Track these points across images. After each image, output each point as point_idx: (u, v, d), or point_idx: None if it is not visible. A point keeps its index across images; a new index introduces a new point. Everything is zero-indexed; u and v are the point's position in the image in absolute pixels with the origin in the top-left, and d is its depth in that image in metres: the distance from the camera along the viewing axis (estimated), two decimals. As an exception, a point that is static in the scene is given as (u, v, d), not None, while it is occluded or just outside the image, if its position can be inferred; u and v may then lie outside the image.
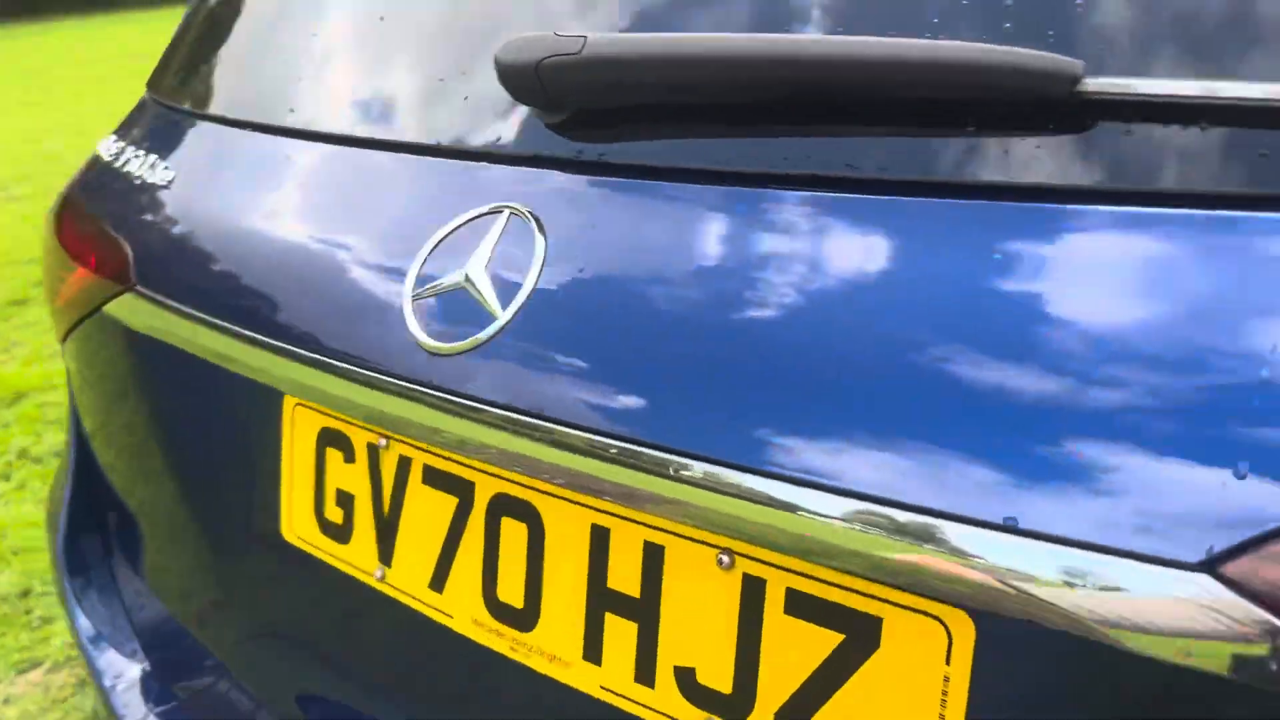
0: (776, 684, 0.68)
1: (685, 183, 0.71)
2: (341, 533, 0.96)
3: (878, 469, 0.61)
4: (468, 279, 0.75)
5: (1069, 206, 0.57)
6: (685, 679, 0.73)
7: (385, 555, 0.92)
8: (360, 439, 0.93)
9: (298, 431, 0.99)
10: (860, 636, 0.65)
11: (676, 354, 0.67)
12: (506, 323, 0.73)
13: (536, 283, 0.73)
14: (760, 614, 0.69)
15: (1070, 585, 0.51)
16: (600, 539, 0.76)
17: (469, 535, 0.84)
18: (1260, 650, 0.45)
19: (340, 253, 0.87)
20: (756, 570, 0.68)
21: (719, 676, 0.71)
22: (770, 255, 0.68)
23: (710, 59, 0.67)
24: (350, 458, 0.94)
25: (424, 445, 0.86)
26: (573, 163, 0.76)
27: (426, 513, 0.88)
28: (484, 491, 0.83)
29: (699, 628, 0.72)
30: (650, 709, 0.74)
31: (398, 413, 0.81)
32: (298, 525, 1.01)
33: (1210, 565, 0.46)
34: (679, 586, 0.72)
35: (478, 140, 0.83)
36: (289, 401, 1.00)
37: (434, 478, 0.87)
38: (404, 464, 0.89)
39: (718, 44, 0.67)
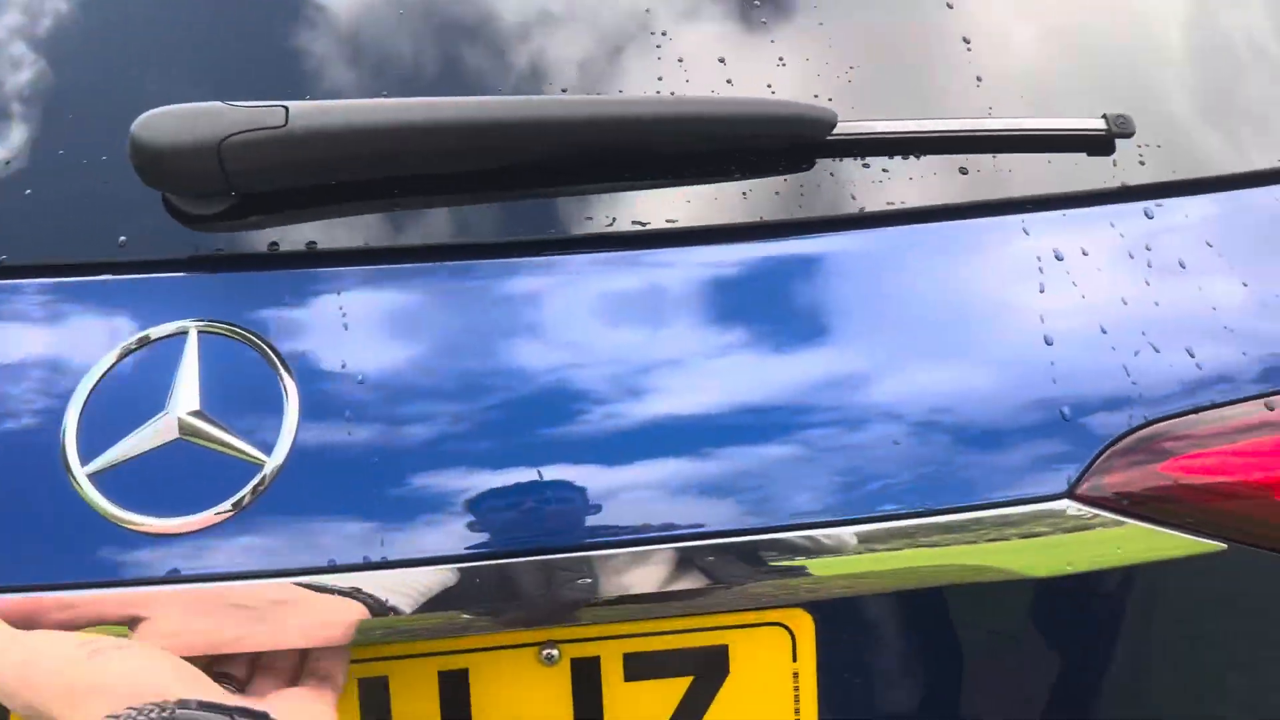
0: (621, 760, 0.67)
1: (415, 262, 0.63)
2: None
3: (693, 508, 0.65)
4: (185, 426, 0.57)
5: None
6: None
7: None
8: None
9: None
10: (710, 670, 0.67)
11: (503, 449, 0.61)
12: (280, 465, 0.57)
13: (299, 407, 0.58)
14: (599, 693, 0.67)
15: (960, 539, 0.62)
16: (373, 692, 0.65)
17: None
18: (1111, 536, 0.61)
19: None
20: (587, 651, 0.66)
21: (554, 781, 0.67)
22: (520, 323, 0.65)
23: (446, 124, 0.61)
24: None
25: None
26: (267, 257, 0.62)
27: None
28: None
29: (521, 736, 0.67)
30: None
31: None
32: None
33: (1070, 493, 0.61)
34: (492, 704, 0.66)
35: (102, 249, 0.61)
36: None
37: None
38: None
39: (455, 108, 0.61)
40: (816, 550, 0.61)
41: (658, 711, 0.67)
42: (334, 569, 0.58)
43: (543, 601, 0.62)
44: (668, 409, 0.64)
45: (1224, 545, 0.63)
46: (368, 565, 0.58)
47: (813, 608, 0.67)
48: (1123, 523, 0.62)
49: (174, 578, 0.57)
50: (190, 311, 0.60)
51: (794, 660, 0.68)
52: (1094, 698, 0.68)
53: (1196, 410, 0.63)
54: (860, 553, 0.61)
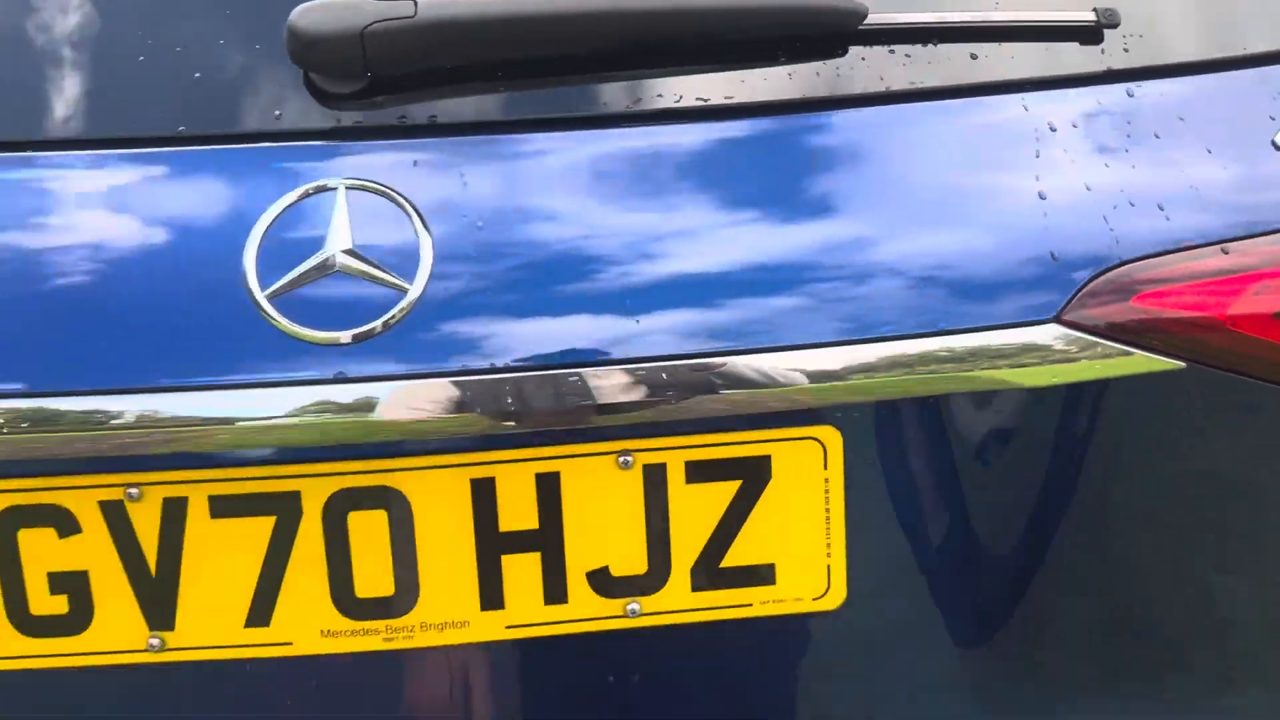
0: (687, 546, 0.82)
1: (521, 133, 0.77)
2: (69, 623, 0.80)
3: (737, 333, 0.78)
4: (342, 261, 0.71)
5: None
6: (598, 580, 0.82)
7: (160, 620, 0.80)
8: (87, 502, 0.78)
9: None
10: (755, 475, 0.82)
11: (592, 285, 0.75)
12: (420, 294, 0.71)
13: (434, 247, 0.72)
14: (665, 493, 0.81)
15: (967, 359, 0.76)
16: (483, 492, 0.80)
17: (301, 548, 0.79)
18: (1088, 355, 0.75)
19: (139, 272, 0.72)
20: (656, 458, 0.81)
21: (632, 563, 0.82)
22: (606, 178, 0.78)
23: (542, 14, 0.74)
24: (70, 529, 0.79)
25: (205, 476, 0.78)
26: (401, 128, 0.75)
27: (225, 551, 0.79)
28: (316, 497, 0.79)
29: (605, 529, 0.81)
30: (566, 622, 0.82)
31: (298, 431, 0.73)
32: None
33: (1057, 318, 0.75)
34: (579, 501, 0.81)
35: (264, 121, 0.75)
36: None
37: (230, 508, 0.79)
38: (174, 509, 0.79)
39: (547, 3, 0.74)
40: (842, 366, 0.75)
41: (712, 510, 0.82)
42: (461, 372, 0.72)
43: (622, 410, 0.76)
44: (723, 257, 0.77)
45: (1183, 364, 0.76)
46: (488, 370, 0.72)
47: (840, 424, 0.81)
48: (1098, 344, 0.75)
49: (339, 379, 0.71)
50: (337, 172, 0.74)
51: (824, 469, 0.82)
52: (1070, 496, 0.82)
53: (1164, 253, 0.76)
54: (879, 366, 0.75)
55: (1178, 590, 0.85)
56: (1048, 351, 0.75)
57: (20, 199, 0.77)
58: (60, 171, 0.78)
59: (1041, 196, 0.77)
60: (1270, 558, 0.85)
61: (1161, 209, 0.78)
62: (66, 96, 0.77)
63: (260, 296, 0.72)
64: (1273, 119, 0.82)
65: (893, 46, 0.80)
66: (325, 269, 0.72)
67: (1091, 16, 0.82)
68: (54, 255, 0.75)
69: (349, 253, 0.72)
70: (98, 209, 0.76)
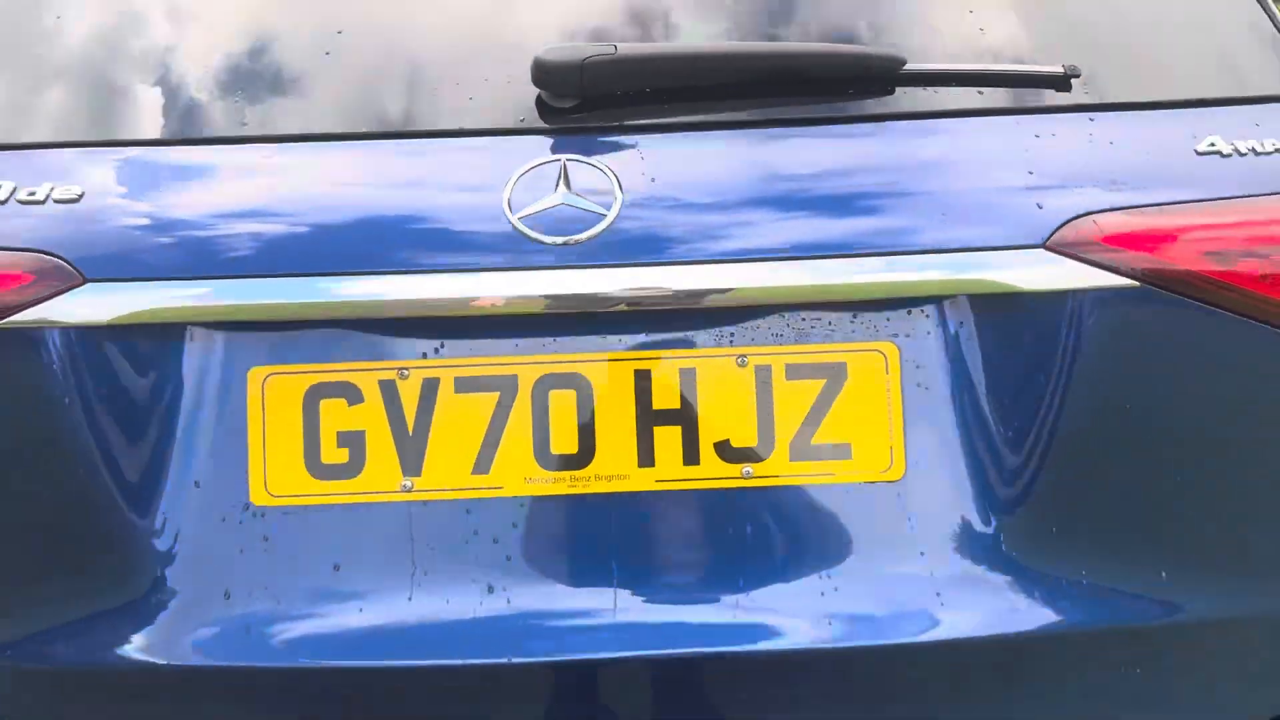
0: (786, 425, 1.14)
1: (680, 132, 1.16)
2: (348, 468, 1.13)
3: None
4: (564, 200, 1.09)
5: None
6: (723, 449, 1.14)
7: (412, 468, 1.13)
8: (370, 380, 1.13)
9: (272, 398, 1.13)
10: (835, 377, 1.14)
11: (721, 235, 1.11)
12: (614, 219, 1.09)
13: (622, 194, 1.10)
14: (770, 386, 1.14)
15: (966, 277, 1.10)
16: (642, 379, 1.13)
17: (515, 416, 1.13)
18: (1066, 271, 1.08)
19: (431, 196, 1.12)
20: (763, 360, 1.14)
21: (747, 437, 1.14)
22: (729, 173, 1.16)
23: (688, 56, 1.15)
24: (356, 399, 1.13)
25: (452, 363, 1.13)
26: (601, 127, 1.15)
27: (462, 417, 1.13)
28: (527, 379, 1.13)
29: (727, 411, 1.14)
30: (699, 479, 1.13)
31: (533, 303, 1.09)
32: (277, 484, 1.13)
33: (1043, 244, 1.09)
34: (709, 390, 1.14)
35: (517, 122, 1.16)
36: (256, 374, 1.13)
37: (468, 386, 1.13)
38: (429, 386, 1.13)
39: (697, 49, 1.15)
40: (899, 279, 1.10)
41: (804, 401, 1.14)
42: (637, 264, 1.08)
43: (740, 321, 1.11)
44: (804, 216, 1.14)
45: (1138, 284, 1.10)
46: (655, 264, 1.08)
47: (898, 340, 1.14)
48: (1074, 265, 1.09)
49: (565, 265, 1.07)
50: (561, 151, 1.13)
51: (886, 373, 1.15)
52: (1066, 386, 1.12)
53: (1115, 209, 1.11)
54: (907, 270, 1.09)
55: (1149, 459, 1.14)
56: (1037, 266, 1.09)
57: (383, 166, 1.19)
58: (410, 147, 1.19)
59: (1030, 172, 1.13)
60: (1214, 445, 1.15)
61: (1114, 183, 1.13)
62: (410, 105, 1.20)
63: (514, 219, 1.10)
64: (1194, 137, 1.18)
65: (933, 87, 1.19)
66: (553, 203, 1.10)
67: (1060, 69, 1.20)
68: (381, 194, 1.15)
69: (568, 195, 1.10)
70: (413, 174, 1.17)
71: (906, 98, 1.19)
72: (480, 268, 1.09)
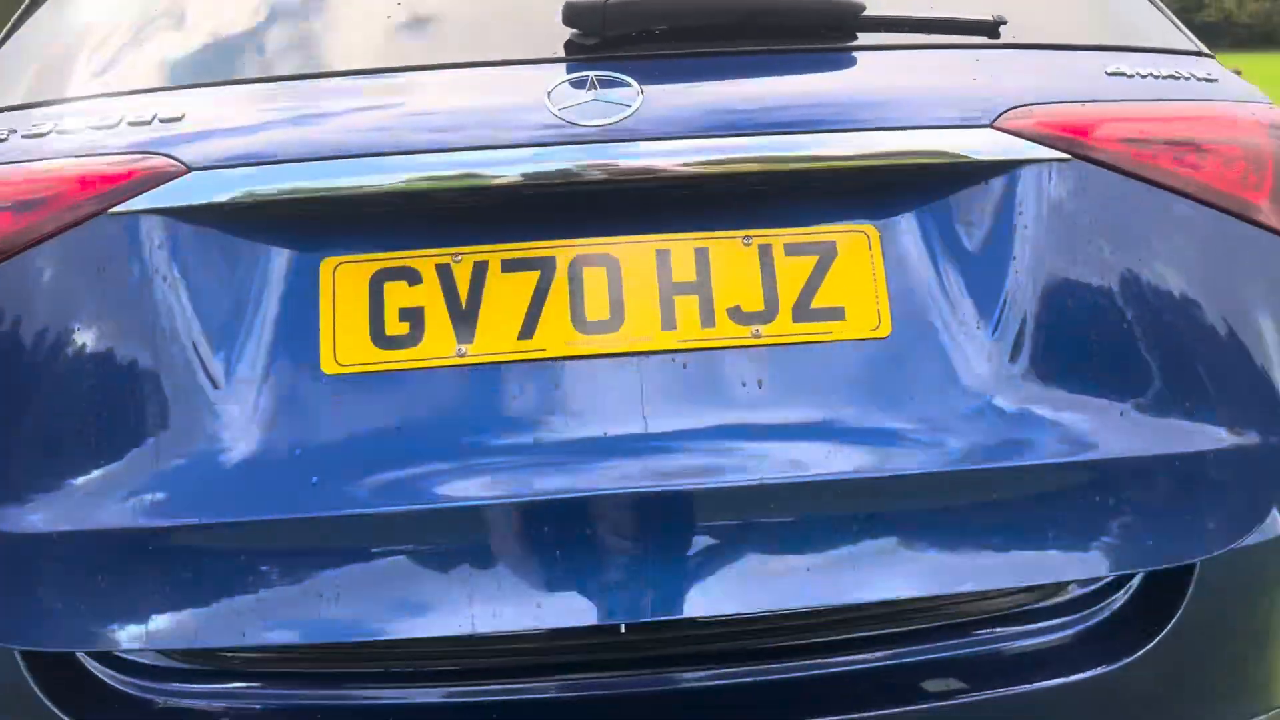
0: (788, 293, 1.33)
1: (688, 59, 1.40)
2: (408, 339, 1.29)
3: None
4: (596, 97, 1.30)
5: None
6: (734, 313, 1.32)
7: (465, 336, 1.30)
8: (428, 264, 1.31)
9: (341, 282, 1.30)
10: (827, 254, 1.34)
11: (722, 129, 1.33)
12: (637, 108, 1.30)
13: (642, 94, 1.32)
14: (773, 261, 1.33)
15: (931, 146, 1.32)
16: (663, 258, 1.32)
17: (555, 291, 1.31)
18: (1009, 141, 1.31)
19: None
20: (765, 240, 1.34)
21: (754, 303, 1.32)
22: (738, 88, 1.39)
23: (694, 3, 1.40)
24: (415, 281, 1.31)
25: (499, 248, 1.31)
26: (618, 57, 1.38)
27: (508, 291, 1.31)
28: (564, 259, 1.31)
29: (737, 282, 1.32)
30: (713, 339, 1.31)
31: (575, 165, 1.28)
32: (345, 355, 1.29)
33: (990, 124, 1.32)
34: (720, 266, 1.33)
35: (554, 53, 1.39)
36: (328, 264, 1.31)
37: (513, 266, 1.31)
38: (479, 268, 1.31)
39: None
40: (875, 152, 1.32)
41: (802, 273, 1.33)
42: (654, 137, 1.29)
43: (745, 206, 1.32)
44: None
45: (1069, 156, 1.32)
46: (669, 139, 1.29)
47: (877, 223, 1.35)
48: (1015, 139, 1.32)
49: (599, 140, 1.28)
50: (589, 68, 1.36)
51: (870, 249, 1.35)
52: (1010, 243, 1.33)
53: (1048, 102, 1.35)
54: (876, 150, 1.31)
55: (1092, 309, 1.33)
56: (987, 139, 1.32)
57: (443, 85, 1.42)
58: (466, 74, 1.42)
59: (974, 79, 1.38)
60: (1142, 295, 1.35)
61: (1043, 89, 1.38)
62: (462, 41, 1.45)
63: (554, 109, 1.31)
64: (1104, 65, 1.44)
65: (889, 31, 1.45)
66: (587, 99, 1.32)
67: (990, 17, 1.47)
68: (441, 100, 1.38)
69: (599, 93, 1.32)
70: (471, 89, 1.40)
71: (869, 37, 1.45)
72: (530, 143, 1.30)
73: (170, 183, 1.27)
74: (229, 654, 1.37)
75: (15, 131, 1.36)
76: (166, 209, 1.27)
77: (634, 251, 1.33)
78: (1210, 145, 1.36)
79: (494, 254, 1.32)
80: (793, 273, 1.33)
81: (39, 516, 1.26)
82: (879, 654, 1.37)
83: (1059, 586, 1.41)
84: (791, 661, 1.38)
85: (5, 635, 1.27)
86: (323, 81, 1.41)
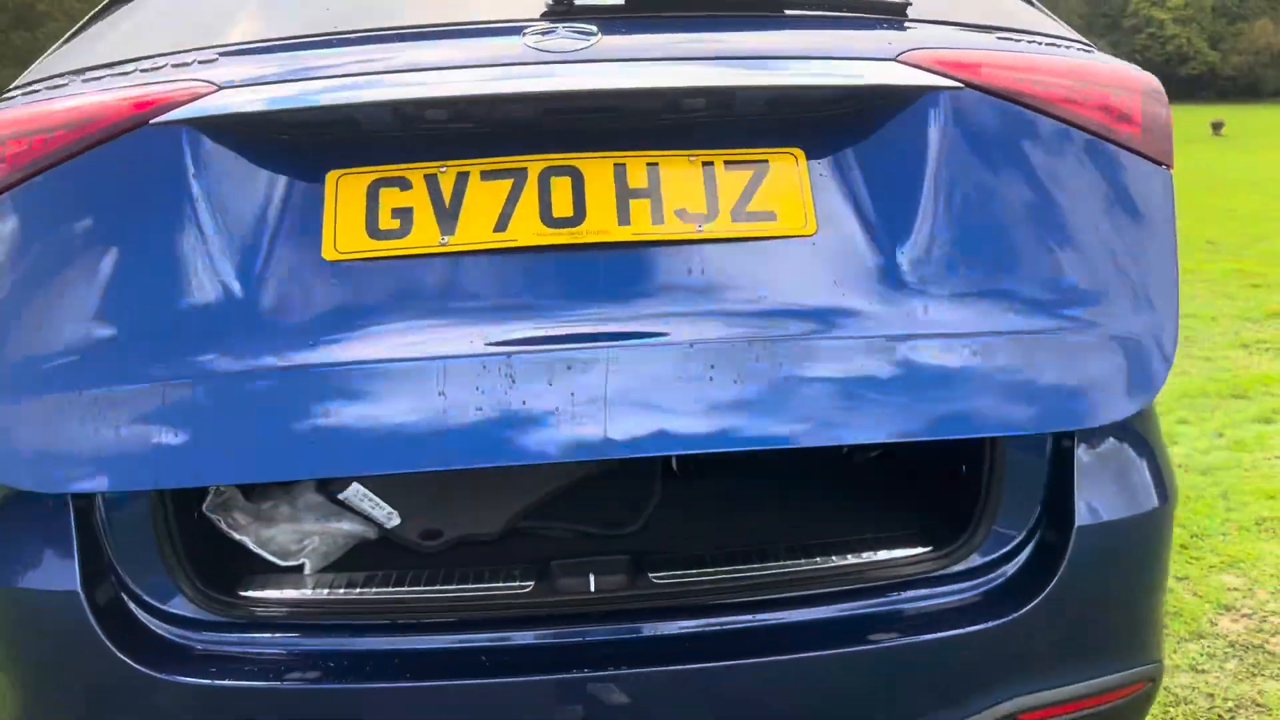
0: (728, 199, 1.54)
1: (638, 19, 1.65)
2: (399, 231, 1.50)
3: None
4: (563, 35, 1.55)
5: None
6: (681, 214, 1.52)
7: (447, 229, 1.50)
8: (417, 174, 1.53)
9: (343, 190, 1.52)
10: (761, 169, 1.56)
11: (678, 62, 1.57)
12: (595, 42, 1.54)
13: (600, 33, 1.56)
14: (715, 174, 1.55)
15: (847, 73, 1.55)
16: (620, 170, 1.54)
17: (526, 194, 1.52)
18: (910, 73, 1.55)
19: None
20: (708, 159, 1.56)
21: (698, 206, 1.53)
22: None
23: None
24: (406, 187, 1.52)
25: (480, 161, 1.53)
26: (585, 11, 1.63)
27: (486, 196, 1.52)
28: (535, 170, 1.53)
29: (683, 189, 1.54)
30: (663, 233, 1.51)
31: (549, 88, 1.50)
32: (344, 243, 1.49)
33: (894, 58, 1.56)
34: (669, 177, 1.54)
35: (519, 15, 1.64)
36: (332, 175, 1.53)
37: (491, 175, 1.53)
38: (462, 177, 1.53)
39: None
40: (795, 84, 1.55)
41: (739, 183, 1.55)
42: (617, 60, 1.52)
43: (690, 128, 1.55)
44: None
45: (960, 85, 1.56)
46: (637, 59, 1.53)
47: (803, 146, 1.57)
48: (916, 70, 1.55)
49: (566, 61, 1.51)
50: (557, 22, 1.61)
51: (797, 165, 1.57)
52: (919, 155, 1.54)
53: (950, 48, 1.60)
54: (799, 77, 1.55)
55: (985, 212, 1.53)
56: (893, 69, 1.56)
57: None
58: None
59: (884, 27, 1.64)
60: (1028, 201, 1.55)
61: (940, 40, 1.63)
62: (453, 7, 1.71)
63: (530, 41, 1.55)
64: (992, 34, 1.70)
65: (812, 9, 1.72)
66: (554, 35, 1.56)
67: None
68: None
69: (565, 30, 1.57)
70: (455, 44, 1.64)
71: (797, 11, 1.72)
72: (505, 63, 1.54)
73: (202, 99, 1.51)
74: (255, 606, 1.64)
75: (88, 80, 1.62)
76: (199, 119, 1.50)
77: (595, 165, 1.55)
78: (1090, 83, 1.61)
79: (475, 166, 1.54)
80: (731, 183, 1.55)
81: (91, 372, 1.44)
82: (821, 610, 1.63)
83: (966, 555, 1.68)
84: (740, 616, 1.62)
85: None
86: (334, 39, 1.67)
